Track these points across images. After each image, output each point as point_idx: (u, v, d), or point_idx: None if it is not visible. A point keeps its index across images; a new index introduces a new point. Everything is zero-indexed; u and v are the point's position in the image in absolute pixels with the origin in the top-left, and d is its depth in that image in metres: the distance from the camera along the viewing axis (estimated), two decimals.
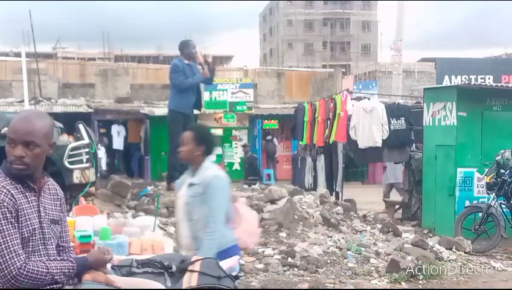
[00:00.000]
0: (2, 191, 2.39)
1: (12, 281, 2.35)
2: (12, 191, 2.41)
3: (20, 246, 2.39)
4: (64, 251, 2.66)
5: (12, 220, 2.38)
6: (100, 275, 2.61)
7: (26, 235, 2.44)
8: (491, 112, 9.82)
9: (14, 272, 2.34)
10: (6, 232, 2.35)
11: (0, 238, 2.34)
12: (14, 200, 2.41)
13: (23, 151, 2.43)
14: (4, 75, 24.58)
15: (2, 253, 2.34)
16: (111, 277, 2.68)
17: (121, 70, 24.32)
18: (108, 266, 2.79)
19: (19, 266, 2.35)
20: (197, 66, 8.34)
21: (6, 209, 2.37)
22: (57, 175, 6.76)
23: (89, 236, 4.47)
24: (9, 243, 2.35)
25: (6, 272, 2.34)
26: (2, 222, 2.36)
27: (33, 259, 2.44)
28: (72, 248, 2.78)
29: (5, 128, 6.14)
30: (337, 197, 11.79)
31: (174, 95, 8.42)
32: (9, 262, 2.34)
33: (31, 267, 2.37)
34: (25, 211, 2.44)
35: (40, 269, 2.39)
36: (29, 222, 2.45)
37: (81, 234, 4.47)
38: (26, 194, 2.48)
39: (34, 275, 2.37)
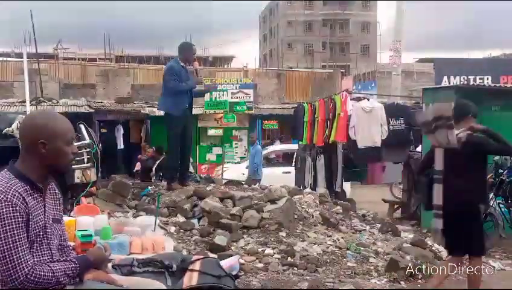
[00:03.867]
0: (15, 195, 2.42)
1: (20, 286, 2.39)
2: (23, 195, 2.45)
3: (28, 251, 2.43)
4: (63, 250, 2.70)
5: (23, 225, 2.42)
6: (101, 274, 2.65)
7: (33, 237, 2.48)
8: (489, 113, 9.85)
9: (21, 278, 2.38)
10: (16, 237, 2.39)
11: (11, 243, 2.38)
12: (25, 203, 2.44)
13: None
14: (6, 76, 24.62)
15: (11, 258, 2.37)
16: (112, 276, 2.72)
17: (121, 71, 24.37)
18: (110, 265, 2.83)
19: (27, 272, 2.39)
20: (191, 69, 8.42)
21: (18, 214, 2.41)
22: (57, 175, 6.78)
23: (90, 235, 4.50)
24: (19, 249, 2.39)
25: (14, 277, 2.38)
26: (14, 226, 2.39)
27: (38, 259, 2.48)
28: (70, 247, 2.82)
29: (7, 129, 6.16)
30: (336, 197, 11.80)
31: (167, 97, 8.36)
32: (18, 268, 2.38)
33: (38, 272, 2.41)
34: (34, 214, 2.48)
35: (46, 273, 2.43)
36: (36, 225, 2.49)
37: (82, 233, 4.50)
38: (35, 195, 2.52)
39: (40, 280, 2.41)
